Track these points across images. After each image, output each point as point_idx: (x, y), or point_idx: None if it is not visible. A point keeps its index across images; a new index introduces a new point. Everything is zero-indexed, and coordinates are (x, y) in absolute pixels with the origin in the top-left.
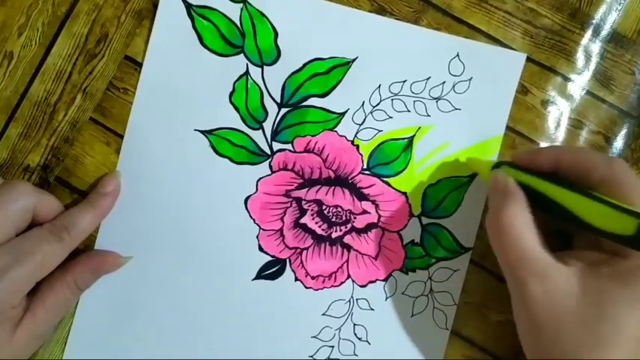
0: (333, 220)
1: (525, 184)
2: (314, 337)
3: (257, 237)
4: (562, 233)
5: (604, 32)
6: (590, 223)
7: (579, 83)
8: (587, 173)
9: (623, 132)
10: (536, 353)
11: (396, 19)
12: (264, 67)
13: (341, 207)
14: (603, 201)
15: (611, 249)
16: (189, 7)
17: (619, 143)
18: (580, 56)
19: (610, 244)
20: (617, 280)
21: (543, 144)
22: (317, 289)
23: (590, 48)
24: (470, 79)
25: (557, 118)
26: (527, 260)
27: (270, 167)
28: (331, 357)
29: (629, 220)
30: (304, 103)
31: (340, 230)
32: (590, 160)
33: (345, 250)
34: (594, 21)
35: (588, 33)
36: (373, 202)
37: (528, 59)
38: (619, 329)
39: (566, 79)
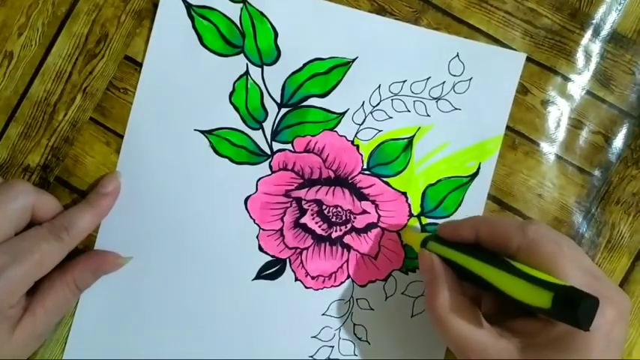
0: (333, 220)
1: (448, 258)
2: (314, 337)
3: (257, 237)
4: None
5: (604, 32)
6: (510, 296)
7: (579, 83)
8: (504, 243)
9: (623, 132)
10: None
11: (396, 19)
12: (264, 67)
13: (341, 207)
14: (518, 273)
15: (543, 316)
16: (189, 7)
17: (619, 143)
18: (580, 56)
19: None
20: (553, 349)
21: (543, 144)
22: (317, 289)
23: (590, 48)
24: (470, 79)
25: (557, 118)
26: (466, 346)
27: (270, 167)
28: (331, 357)
29: (545, 293)
30: (304, 103)
31: (340, 230)
32: (505, 229)
33: (345, 250)
34: (594, 21)
35: (588, 33)
36: (373, 202)
37: (528, 59)
38: None
39: (566, 79)
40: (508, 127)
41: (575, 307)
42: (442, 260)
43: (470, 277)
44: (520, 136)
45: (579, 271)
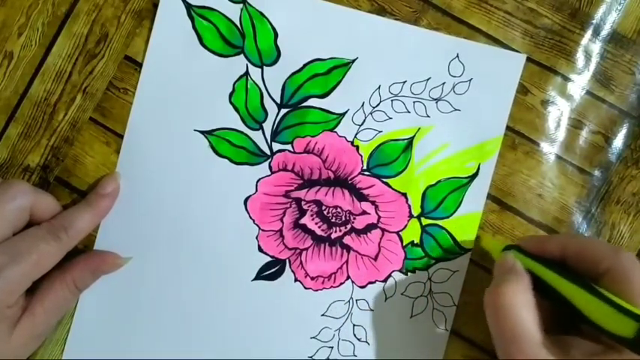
0: (333, 220)
1: (531, 270)
2: (313, 337)
3: (257, 237)
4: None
5: (604, 32)
6: (589, 318)
7: (579, 83)
8: (593, 264)
9: (623, 132)
10: None
11: (396, 19)
12: (264, 67)
13: (340, 207)
14: (605, 299)
15: (608, 342)
16: (189, 7)
17: (619, 143)
18: (580, 56)
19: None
20: None
21: (543, 144)
22: (316, 290)
23: (590, 48)
24: (470, 80)
25: (557, 118)
26: (522, 342)
27: (270, 168)
28: (330, 357)
29: (629, 323)
30: (304, 104)
31: (340, 231)
32: (597, 250)
33: (344, 250)
34: (594, 21)
35: (588, 33)
36: (373, 202)
37: (528, 59)
38: None
39: (566, 79)
40: (508, 127)
41: None
42: None
43: (548, 293)
44: (520, 136)
45: None
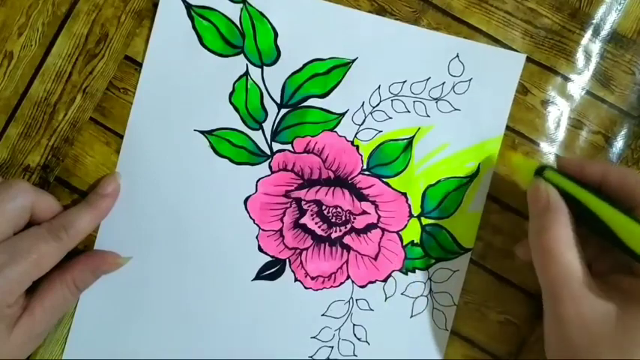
0: (333, 220)
1: (568, 193)
2: (313, 337)
3: (257, 237)
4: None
5: (604, 32)
6: (628, 245)
7: (579, 83)
8: (631, 194)
9: (623, 132)
10: None
11: (396, 19)
12: (264, 67)
13: (341, 207)
14: None
15: None
16: (189, 7)
17: (619, 143)
18: (580, 56)
19: None
20: None
21: (543, 144)
22: (317, 290)
23: (590, 48)
24: (470, 80)
25: (557, 118)
26: (568, 280)
27: (270, 168)
28: (331, 357)
29: None
30: (304, 104)
31: (340, 231)
32: (637, 181)
33: (344, 250)
34: (594, 21)
35: (588, 33)
36: (373, 202)
37: (528, 59)
38: None
39: (566, 79)
40: (508, 127)
41: None
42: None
43: (587, 219)
44: (520, 136)
45: None
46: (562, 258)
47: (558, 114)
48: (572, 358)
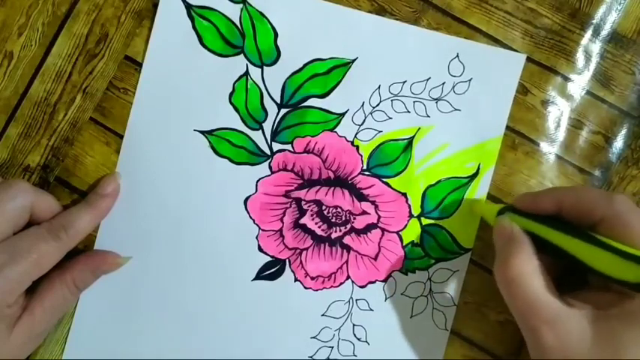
0: (333, 220)
1: (529, 230)
2: (313, 337)
3: (256, 237)
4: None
5: (604, 32)
6: (594, 269)
7: (579, 83)
8: (588, 212)
9: (623, 132)
10: None
11: (396, 19)
12: (264, 67)
13: (341, 207)
14: (606, 247)
15: (619, 289)
16: (189, 7)
17: (619, 143)
18: (580, 56)
19: (615, 286)
20: (627, 323)
21: (543, 144)
22: (316, 290)
23: (590, 48)
24: (470, 80)
25: (557, 118)
26: (537, 309)
27: (270, 168)
28: (330, 357)
29: (633, 267)
30: (304, 104)
31: (340, 231)
32: (591, 199)
33: (344, 250)
34: (594, 21)
35: (588, 33)
36: (373, 202)
37: (528, 59)
38: None
39: (566, 79)
40: (508, 127)
41: None
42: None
43: (549, 249)
44: (520, 136)
45: None
46: (528, 286)
47: (558, 114)
48: None
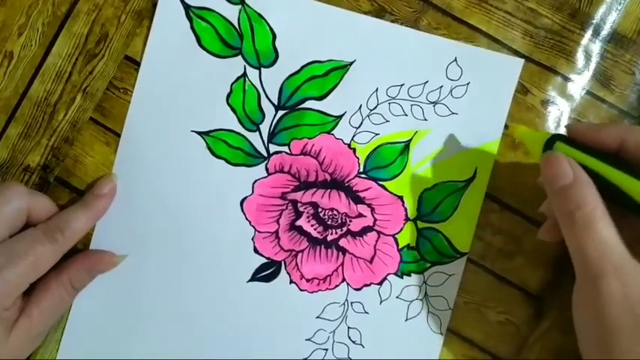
0: (329, 223)
1: (583, 164)
2: (308, 339)
3: (252, 239)
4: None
5: (604, 32)
6: None
7: (579, 83)
8: None
9: None
10: (608, 354)
11: (396, 19)
12: (262, 68)
13: (337, 210)
14: None
15: None
16: (187, 8)
17: None
18: (580, 56)
19: None
20: None
21: None
22: (312, 292)
23: (590, 48)
24: (467, 84)
25: (557, 118)
26: (609, 255)
27: (267, 169)
28: (325, 359)
29: None
30: (301, 106)
31: (336, 233)
32: None
33: (340, 253)
34: (594, 21)
35: (588, 33)
36: (369, 205)
37: (528, 59)
38: None
39: (566, 79)
40: (508, 127)
41: None
42: None
43: (607, 190)
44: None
45: None
46: (601, 232)
47: (558, 114)
48: (612, 338)
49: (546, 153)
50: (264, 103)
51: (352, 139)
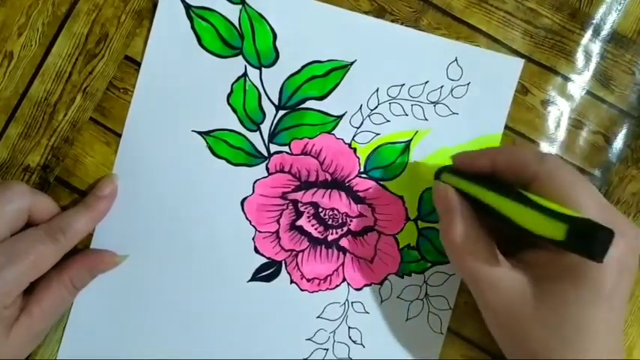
0: (330, 222)
1: (465, 191)
2: (308, 339)
3: (253, 239)
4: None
5: (604, 32)
6: (524, 228)
7: (579, 83)
8: (520, 171)
9: (623, 132)
10: (512, 354)
11: (396, 19)
12: (263, 68)
13: (337, 210)
14: (533, 205)
15: (551, 249)
16: (188, 7)
17: (619, 143)
18: (580, 56)
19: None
20: (565, 280)
21: (543, 144)
22: (312, 292)
23: (590, 48)
24: (468, 84)
25: (557, 118)
26: (479, 277)
27: (267, 169)
28: (326, 359)
29: (559, 225)
30: (302, 106)
31: (336, 233)
32: (522, 157)
33: (340, 253)
34: (594, 21)
35: (588, 33)
36: (369, 205)
37: (528, 59)
38: (580, 330)
39: (566, 79)
40: (508, 127)
41: (591, 239)
42: (458, 192)
43: (484, 210)
44: (520, 136)
45: (593, 202)
46: (470, 252)
47: (558, 114)
48: (509, 339)
49: (435, 182)
50: (265, 103)
51: (353, 139)
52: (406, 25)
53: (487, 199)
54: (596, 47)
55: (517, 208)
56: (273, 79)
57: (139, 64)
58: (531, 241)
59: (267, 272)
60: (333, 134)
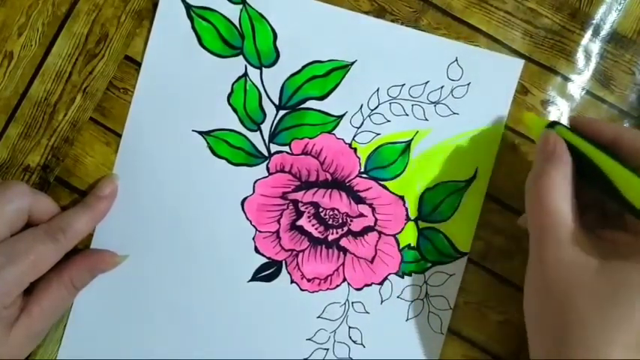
0: (330, 222)
1: (576, 148)
2: (309, 339)
3: (253, 238)
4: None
5: (604, 32)
6: (628, 199)
7: (579, 83)
8: None
9: None
10: (541, 318)
11: (396, 19)
12: (263, 68)
13: (338, 210)
14: None
15: (636, 231)
16: (188, 7)
17: None
18: (580, 56)
19: (635, 227)
20: (636, 264)
21: None
22: (312, 292)
23: (590, 48)
24: (468, 84)
25: (557, 119)
26: (555, 226)
27: (268, 169)
28: (326, 359)
29: None
30: (302, 106)
31: (337, 233)
32: None
33: (341, 252)
34: (594, 21)
35: (588, 33)
36: (370, 205)
37: (528, 59)
38: (630, 317)
39: (566, 79)
40: (508, 128)
41: None
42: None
43: (591, 175)
44: (520, 136)
45: None
46: (553, 204)
47: (558, 114)
48: (548, 301)
49: (545, 130)
50: (265, 102)
51: (353, 138)
52: (406, 25)
53: (600, 162)
54: (596, 47)
55: (631, 178)
56: (273, 79)
57: (139, 64)
58: (617, 224)
59: (267, 272)
60: (334, 134)
